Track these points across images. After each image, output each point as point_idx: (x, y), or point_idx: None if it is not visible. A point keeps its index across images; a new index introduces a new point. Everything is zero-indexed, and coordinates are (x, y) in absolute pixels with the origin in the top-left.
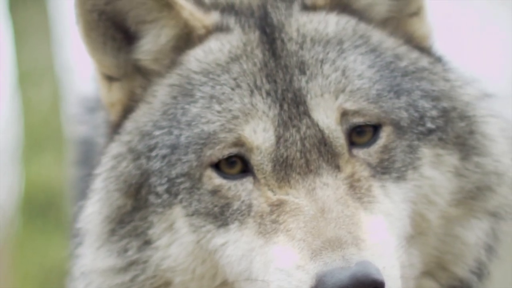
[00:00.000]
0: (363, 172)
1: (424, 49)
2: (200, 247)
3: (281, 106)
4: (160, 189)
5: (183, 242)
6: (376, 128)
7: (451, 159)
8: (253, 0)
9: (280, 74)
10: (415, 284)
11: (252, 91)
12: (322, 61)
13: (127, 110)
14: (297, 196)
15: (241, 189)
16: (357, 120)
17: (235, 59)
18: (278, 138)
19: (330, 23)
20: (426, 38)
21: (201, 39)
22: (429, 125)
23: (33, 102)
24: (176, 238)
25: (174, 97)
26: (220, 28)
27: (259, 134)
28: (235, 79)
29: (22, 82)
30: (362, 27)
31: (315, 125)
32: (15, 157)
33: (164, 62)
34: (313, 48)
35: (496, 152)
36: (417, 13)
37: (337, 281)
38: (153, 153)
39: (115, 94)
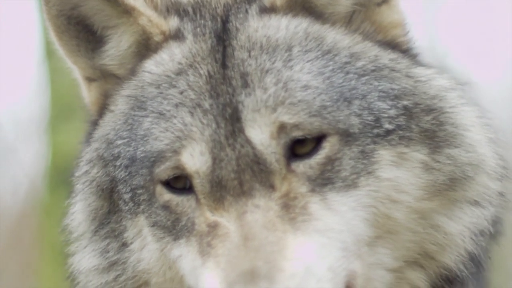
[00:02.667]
0: (300, 189)
1: (389, 43)
2: (165, 255)
3: (218, 123)
4: (126, 197)
5: (151, 249)
6: (319, 139)
7: (418, 155)
8: (219, 3)
9: (224, 87)
10: (397, 276)
11: (194, 108)
12: (267, 72)
13: (101, 114)
14: (228, 219)
15: (187, 205)
16: (296, 133)
17: (182, 71)
18: (214, 159)
19: (281, 27)
20: (395, 27)
21: (158, 47)
22: (387, 125)
23: (60, 71)
24: (145, 243)
25: (132, 108)
26: (175, 36)
27: (196, 159)
28: (181, 93)
29: (49, 52)
30: (316, 28)
31: (249, 142)
32: (42, 126)
33: (128, 68)
34: (260, 57)
35: (469, 141)
36: (386, 0)
37: None
38: (118, 162)
39: (94, 94)
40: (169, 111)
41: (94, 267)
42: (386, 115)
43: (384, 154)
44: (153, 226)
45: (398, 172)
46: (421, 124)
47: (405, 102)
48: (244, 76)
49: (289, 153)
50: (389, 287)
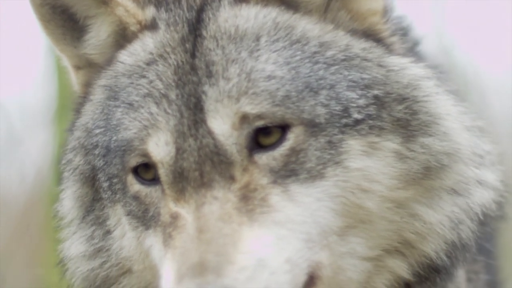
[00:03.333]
0: (261, 180)
1: (365, 32)
2: (141, 244)
3: (182, 114)
4: (104, 185)
5: (129, 237)
6: (283, 129)
7: (390, 144)
8: None
9: (190, 77)
10: (377, 265)
11: (160, 98)
12: (232, 62)
13: (83, 102)
14: (188, 211)
15: (155, 196)
16: (259, 123)
17: (153, 61)
18: (178, 149)
19: (250, 17)
20: (373, 15)
21: (133, 37)
22: (356, 115)
23: None
24: (125, 231)
25: (107, 98)
26: (150, 26)
27: (161, 148)
28: (150, 83)
29: None
30: (286, 17)
31: (210, 133)
32: (49, 115)
33: (107, 57)
34: (227, 47)
35: (444, 130)
36: None
37: None
38: (96, 151)
39: (80, 82)
40: (137, 101)
41: (81, 253)
42: (355, 104)
43: (353, 144)
44: (128, 215)
45: (368, 162)
46: (393, 113)
47: (376, 92)
48: (209, 66)
49: (252, 144)
50: (368, 275)
